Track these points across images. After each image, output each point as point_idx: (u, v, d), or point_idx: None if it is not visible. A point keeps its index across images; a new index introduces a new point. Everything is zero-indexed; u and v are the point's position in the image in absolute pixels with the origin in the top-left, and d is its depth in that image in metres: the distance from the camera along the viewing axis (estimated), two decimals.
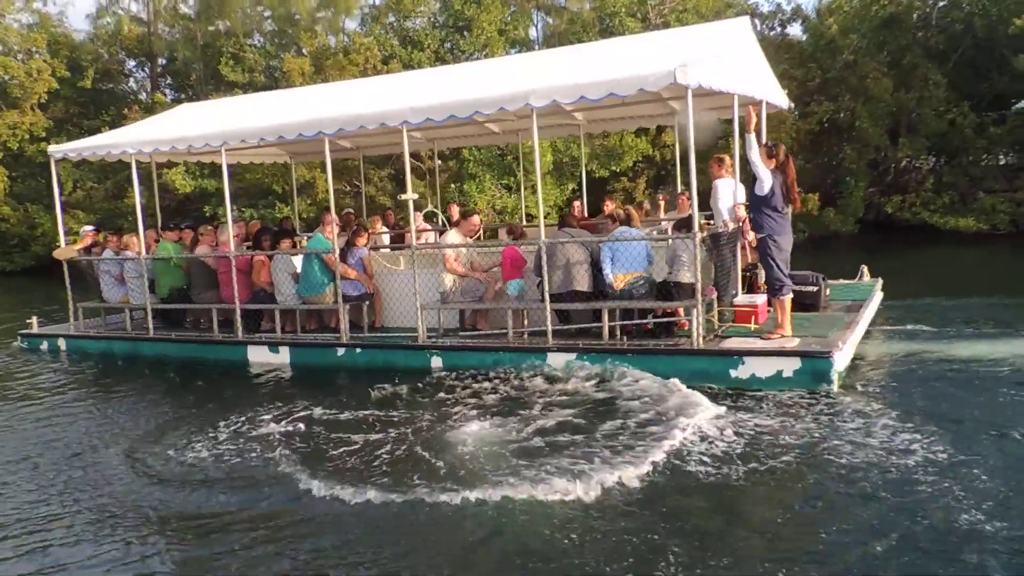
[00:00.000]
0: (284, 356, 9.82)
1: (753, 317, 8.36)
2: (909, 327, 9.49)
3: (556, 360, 8.14)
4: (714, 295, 8.31)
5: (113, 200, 23.88)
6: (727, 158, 9.08)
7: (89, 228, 12.06)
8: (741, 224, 8.30)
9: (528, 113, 8.17)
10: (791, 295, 7.81)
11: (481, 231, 12.36)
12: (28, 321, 12.75)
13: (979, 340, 8.66)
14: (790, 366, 7.24)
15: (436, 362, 8.84)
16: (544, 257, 8.17)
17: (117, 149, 10.95)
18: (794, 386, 7.17)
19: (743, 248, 8.91)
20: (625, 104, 10.73)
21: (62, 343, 11.84)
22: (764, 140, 9.19)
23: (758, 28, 24.09)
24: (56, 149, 11.95)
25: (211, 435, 7.02)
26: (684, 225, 8.01)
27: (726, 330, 8.27)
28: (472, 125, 11.86)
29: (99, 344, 11.51)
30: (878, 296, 10.22)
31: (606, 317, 8.14)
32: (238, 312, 10.14)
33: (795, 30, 24.02)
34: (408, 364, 8.95)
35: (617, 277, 8.07)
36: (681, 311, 7.98)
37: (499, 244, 9.67)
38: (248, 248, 10.67)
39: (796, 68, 22.29)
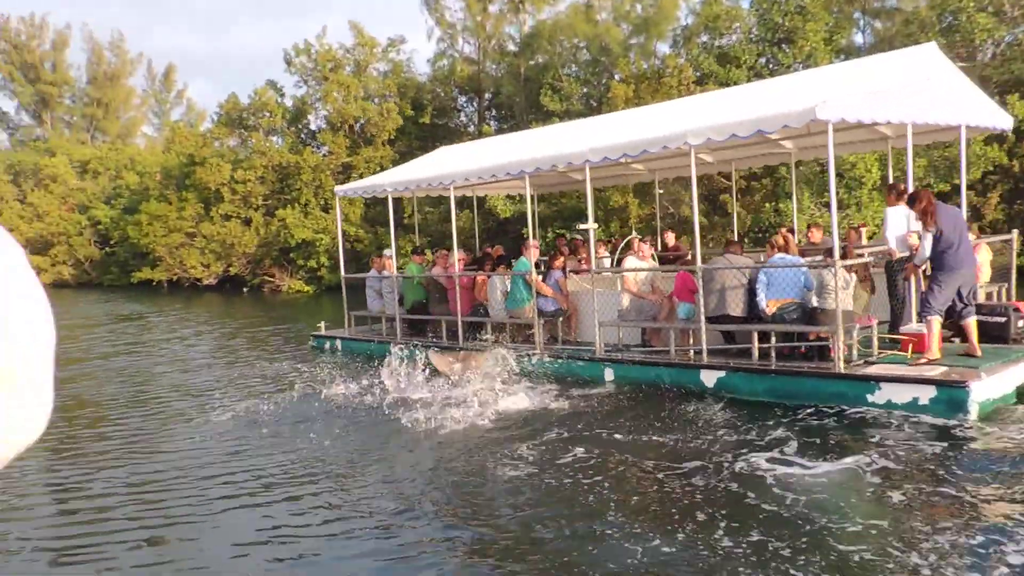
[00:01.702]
0: None
1: (911, 346, 8.24)
2: None
3: (708, 377, 8.75)
4: (873, 323, 8.40)
5: (444, 223, 26.58)
6: (900, 186, 9.29)
7: (388, 252, 14.31)
8: (913, 252, 8.34)
9: (684, 151, 8.98)
10: (939, 319, 7.81)
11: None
12: (319, 325, 15.33)
13: None
14: (926, 394, 7.29)
15: (608, 374, 9.80)
16: (700, 282, 8.80)
17: (379, 189, 13.68)
18: (930, 414, 7.19)
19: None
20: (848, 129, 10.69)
21: (339, 343, 14.38)
22: (965, 169, 9.80)
23: None
24: (340, 189, 15.01)
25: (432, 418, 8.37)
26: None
27: (883, 357, 8.24)
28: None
29: (362, 345, 13.90)
30: None
31: (756, 339, 8.63)
32: (460, 323, 11.93)
33: None
34: (586, 374, 9.99)
35: (770, 303, 8.45)
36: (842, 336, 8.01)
37: (675, 269, 10.49)
38: (469, 269, 12.58)
39: None
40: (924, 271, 8.22)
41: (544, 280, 10.99)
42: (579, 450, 6.92)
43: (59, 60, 62.53)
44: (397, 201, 23.64)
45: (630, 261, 10.49)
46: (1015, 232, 11.39)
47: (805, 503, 5.29)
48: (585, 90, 26.48)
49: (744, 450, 6.54)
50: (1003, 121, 10.62)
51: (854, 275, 8.12)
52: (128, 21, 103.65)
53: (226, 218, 33.28)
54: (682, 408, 8.21)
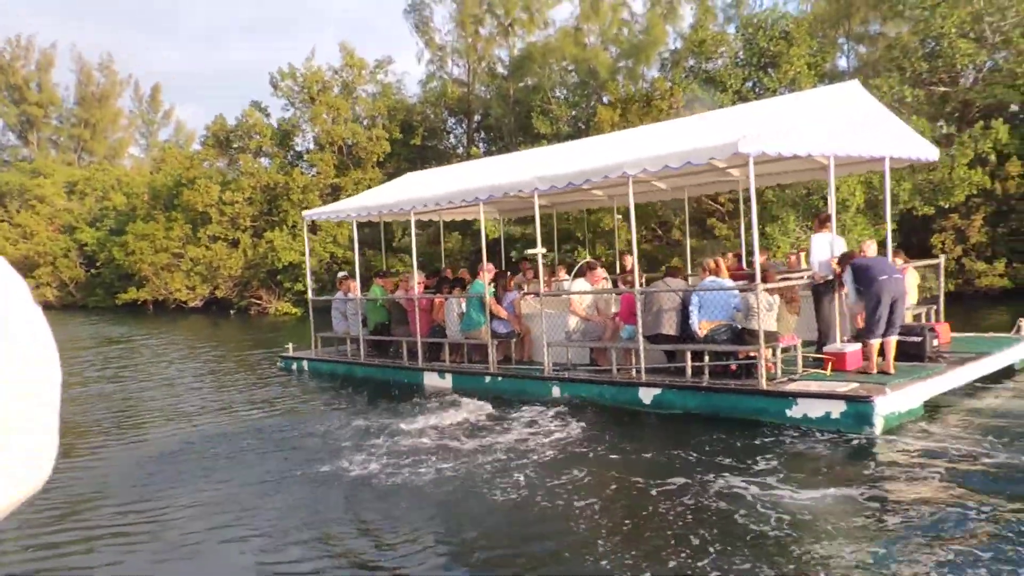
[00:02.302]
0: (448, 381, 11.75)
1: (830, 364, 8.80)
2: None
3: (645, 394, 9.26)
4: (795, 342, 8.94)
5: (433, 245, 26.56)
6: (824, 215, 10.08)
7: (343, 274, 14.92)
8: (836, 277, 9.11)
9: (624, 180, 9.48)
10: (873, 341, 8.49)
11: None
12: (286, 347, 15.54)
13: None
14: (837, 408, 7.77)
15: (556, 391, 10.25)
16: (639, 304, 9.33)
17: (343, 214, 14.34)
18: (840, 427, 7.66)
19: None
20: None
21: (305, 364, 14.76)
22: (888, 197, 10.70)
23: None
24: (308, 214, 15.50)
25: (377, 436, 8.73)
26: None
27: (806, 374, 8.72)
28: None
29: (328, 366, 14.27)
30: (1018, 352, 10.17)
31: (689, 358, 9.10)
32: (419, 344, 12.33)
33: None
34: (535, 392, 10.41)
35: (703, 324, 8.95)
36: (768, 354, 8.55)
37: (619, 291, 10.62)
38: (429, 292, 13.01)
39: None
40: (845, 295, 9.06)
41: (499, 302, 11.43)
42: (514, 465, 7.20)
43: (44, 80, 62.46)
44: (388, 224, 23.68)
45: (579, 284, 10.93)
46: (942, 258, 12.28)
47: (711, 510, 5.75)
48: (574, 113, 26.64)
49: (675, 465, 6.98)
50: (929, 152, 11.35)
51: (778, 297, 8.63)
52: (118, 43, 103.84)
53: (213, 239, 33.13)
54: (619, 425, 8.67)
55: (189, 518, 6.50)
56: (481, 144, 30.93)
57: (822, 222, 10.01)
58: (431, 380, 12.03)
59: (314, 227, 30.12)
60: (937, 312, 11.21)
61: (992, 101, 19.83)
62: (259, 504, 6.69)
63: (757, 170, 12.25)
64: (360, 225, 32.12)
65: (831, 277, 9.31)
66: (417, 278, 12.84)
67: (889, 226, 11.32)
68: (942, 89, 20.83)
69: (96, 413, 11.76)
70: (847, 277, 8.88)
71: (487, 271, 11.47)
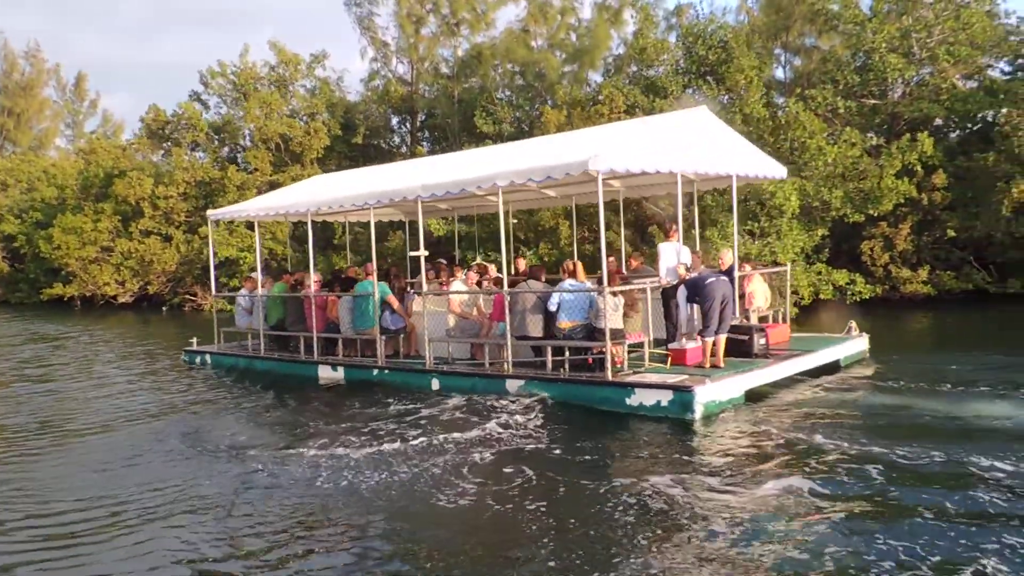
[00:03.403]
0: (341, 374, 12.61)
1: (670, 358, 10.18)
2: (864, 381, 10.40)
3: (512, 385, 10.26)
4: (642, 339, 10.23)
5: (378, 242, 26.31)
6: (669, 225, 11.36)
7: (253, 274, 15.47)
8: (682, 280, 10.30)
9: (484, 191, 11.12)
10: (708, 338, 9.74)
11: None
12: (191, 340, 15.98)
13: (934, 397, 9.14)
14: (665, 397, 8.90)
15: (435, 384, 11.18)
16: (506, 305, 10.25)
17: (244, 213, 15.31)
18: (668, 413, 8.79)
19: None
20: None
21: (208, 358, 15.33)
22: (735, 211, 12.18)
23: None
24: (212, 214, 16.20)
25: (271, 429, 9.62)
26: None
27: (649, 368, 9.97)
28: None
29: (230, 360, 14.95)
30: (843, 350, 11.49)
31: (549, 352, 10.24)
32: (315, 339, 13.14)
33: None
34: (417, 384, 11.36)
35: (563, 323, 9.89)
36: (616, 350, 9.63)
37: (493, 292, 11.45)
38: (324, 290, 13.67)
39: None
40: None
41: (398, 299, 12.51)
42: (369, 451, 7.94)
43: None
44: (328, 222, 23.34)
45: (456, 284, 11.84)
46: (790, 264, 13.63)
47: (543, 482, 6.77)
48: (517, 114, 26.75)
49: (522, 440, 8.12)
50: (776, 171, 12.88)
51: (622, 299, 9.69)
52: (40, 30, 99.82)
53: (145, 234, 32.11)
54: (484, 410, 9.60)
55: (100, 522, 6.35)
56: (426, 143, 30.78)
57: (668, 232, 11.27)
58: (325, 373, 12.84)
59: (251, 223, 29.53)
60: (785, 314, 12.67)
61: (919, 115, 20.69)
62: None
63: (628, 183, 13.90)
64: (295, 223, 31.66)
65: (677, 282, 10.45)
66: (313, 277, 13.54)
67: (736, 237, 12.62)
68: (872, 102, 21.65)
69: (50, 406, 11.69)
70: (680, 293, 10.25)
71: (373, 271, 12.45)
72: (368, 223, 26.98)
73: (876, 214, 19.56)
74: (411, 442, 8.17)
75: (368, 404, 10.43)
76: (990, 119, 21.03)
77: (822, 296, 19.49)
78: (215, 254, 29.94)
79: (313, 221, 14.63)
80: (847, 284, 19.52)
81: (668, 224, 11.43)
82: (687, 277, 10.26)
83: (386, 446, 8.07)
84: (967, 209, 19.75)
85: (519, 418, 9.04)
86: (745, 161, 12.10)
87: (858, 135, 20.20)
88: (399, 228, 26.53)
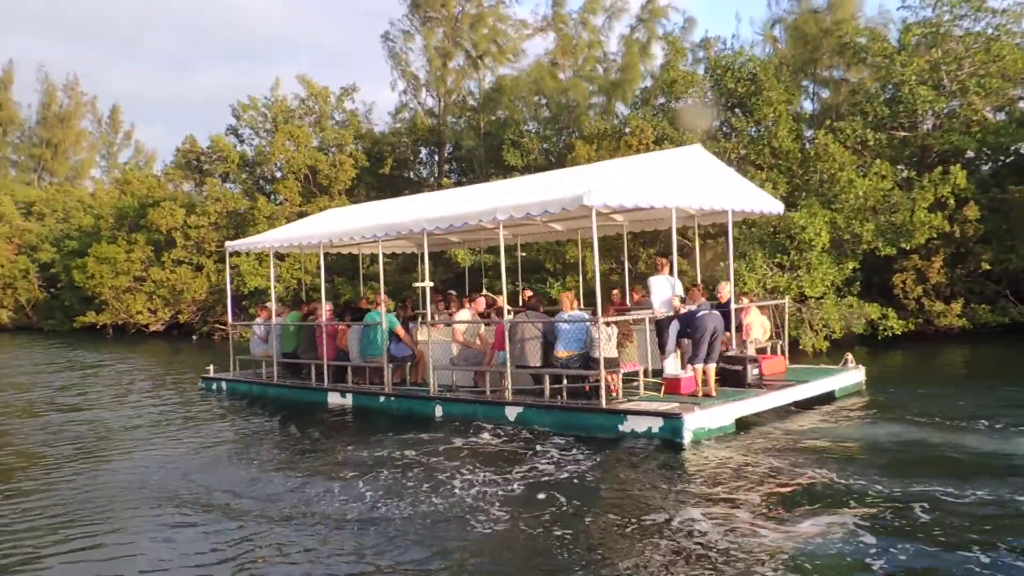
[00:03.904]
0: (349, 400, 12.98)
1: (663, 387, 10.49)
2: (856, 413, 10.58)
3: (510, 412, 10.61)
4: (637, 368, 10.60)
5: (403, 273, 26.48)
6: (662, 260, 11.92)
7: (268, 304, 15.83)
8: (677, 312, 10.61)
9: (493, 224, 11.15)
10: (698, 366, 10.17)
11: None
12: (207, 368, 16.38)
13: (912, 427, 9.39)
14: (656, 423, 9.27)
15: (438, 411, 11.55)
16: (507, 334, 10.62)
17: (260, 245, 15.86)
18: (658, 439, 9.11)
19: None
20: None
21: (224, 384, 15.81)
22: (731, 247, 12.42)
23: None
24: (231, 245, 16.68)
25: (286, 449, 10.17)
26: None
27: (644, 396, 10.28)
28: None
29: (244, 386, 15.41)
30: (838, 381, 11.84)
31: (547, 381, 10.56)
32: (326, 367, 13.56)
33: None
34: (421, 410, 11.75)
35: (561, 352, 10.26)
36: (611, 378, 10.03)
37: (494, 322, 11.86)
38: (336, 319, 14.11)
39: None
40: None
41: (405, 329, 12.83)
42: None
43: (4, 99, 61.38)
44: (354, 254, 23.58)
45: (461, 314, 12.19)
46: (787, 298, 13.91)
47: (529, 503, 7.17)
48: (545, 146, 26.93)
49: (527, 469, 8.27)
50: (772, 207, 13.15)
51: (615, 329, 10.07)
52: (78, 63, 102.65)
53: (177, 263, 32.61)
54: (491, 439, 9.89)
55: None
56: (453, 175, 31.05)
57: (660, 266, 11.81)
58: (334, 399, 13.20)
59: (280, 254, 29.87)
60: (783, 346, 12.95)
61: (949, 147, 20.52)
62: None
63: (631, 217, 14.22)
64: (326, 254, 32.14)
65: (672, 313, 10.79)
66: (326, 307, 14.06)
67: (731, 269, 12.60)
68: (902, 134, 21.52)
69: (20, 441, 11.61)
70: (672, 327, 10.54)
71: (383, 302, 12.74)
72: (394, 254, 27.38)
73: (908, 247, 19.34)
74: (412, 471, 8.38)
75: (373, 431, 10.85)
76: (1023, 151, 20.81)
77: (854, 330, 19.23)
78: (232, 283, 30.43)
79: (340, 252, 14.79)
80: (879, 318, 19.25)
81: (661, 259, 12.07)
82: (682, 310, 10.64)
83: (385, 476, 8.27)
84: (1002, 242, 19.47)
85: (515, 444, 9.45)
86: (740, 196, 12.45)
87: (889, 167, 20.06)
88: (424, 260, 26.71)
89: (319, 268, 29.21)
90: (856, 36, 22.52)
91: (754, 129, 22.68)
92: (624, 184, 10.41)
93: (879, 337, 19.22)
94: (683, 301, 10.98)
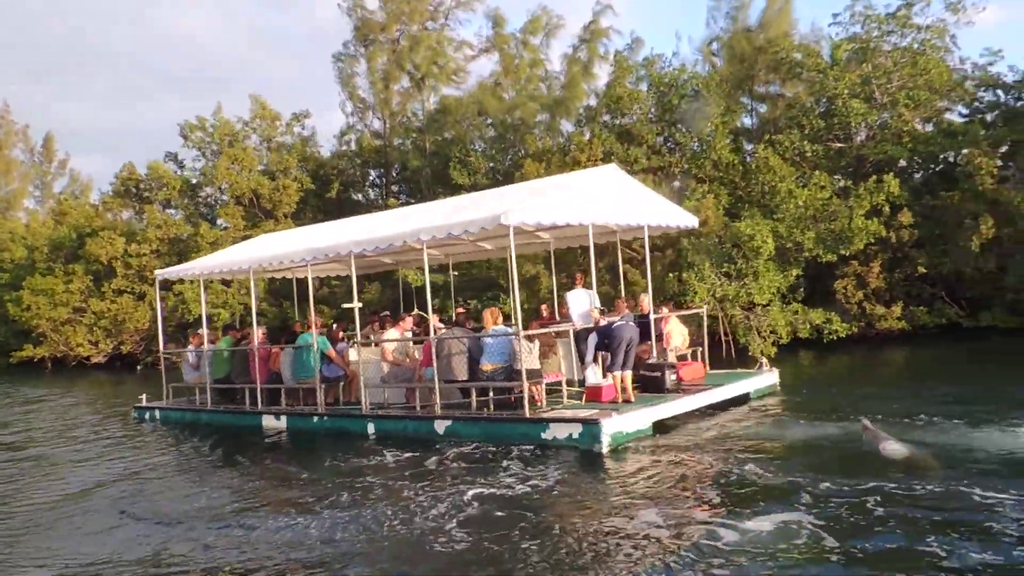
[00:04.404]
0: (283, 422, 13.12)
1: (585, 395, 10.99)
2: (767, 412, 11.19)
3: (439, 426, 10.90)
4: (560, 378, 11.24)
5: (351, 295, 26.19)
6: (578, 274, 12.81)
7: (200, 330, 15.82)
8: (596, 324, 11.15)
9: (419, 245, 11.35)
10: (616, 373, 10.71)
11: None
12: (139, 398, 16.34)
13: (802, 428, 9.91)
14: (575, 430, 9.64)
15: (370, 428, 11.76)
16: (433, 351, 10.92)
17: (189, 272, 16.10)
18: (579, 445, 9.48)
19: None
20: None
21: (157, 413, 15.80)
22: (648, 259, 13.06)
23: (1002, 99, 22.33)
24: (160, 272, 16.78)
25: (212, 470, 10.42)
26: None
27: (567, 404, 10.77)
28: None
29: (177, 414, 15.44)
30: (753, 384, 12.51)
31: (474, 394, 10.87)
32: (259, 391, 13.64)
33: None
34: (354, 429, 11.92)
35: (486, 365, 10.57)
36: (533, 389, 10.46)
37: (423, 339, 12.06)
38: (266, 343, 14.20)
39: None
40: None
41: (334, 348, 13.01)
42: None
43: None
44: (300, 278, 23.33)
45: (390, 333, 12.40)
46: (705, 307, 14.55)
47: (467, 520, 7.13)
48: (492, 164, 27.08)
49: (467, 480, 8.49)
50: (688, 221, 13.81)
51: (537, 342, 10.55)
52: (10, 92, 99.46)
53: (118, 293, 31.69)
54: (413, 451, 10.20)
55: None
56: (401, 196, 30.96)
57: (577, 280, 12.47)
58: (268, 422, 13.36)
59: (228, 281, 29.31)
60: (703, 354, 13.42)
61: (883, 157, 21.30)
62: None
63: (557, 234, 14.79)
64: (272, 278, 31.58)
65: (591, 325, 11.28)
66: (259, 331, 14.19)
67: (650, 283, 13.22)
68: (838, 145, 22.28)
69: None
70: (591, 339, 11.01)
71: (315, 324, 13.03)
72: (339, 276, 27.11)
73: (848, 253, 19.95)
74: (344, 491, 8.48)
75: (307, 452, 11.17)
76: (951, 160, 21.71)
77: (800, 335, 19.71)
78: (178, 310, 29.75)
79: (286, 277, 14.66)
80: (824, 323, 19.77)
81: (578, 274, 12.61)
82: (601, 322, 11.12)
83: (319, 497, 8.35)
84: (935, 246, 20.23)
85: (444, 457, 9.74)
86: (656, 212, 13.10)
87: (827, 178, 20.72)
88: (375, 280, 26.54)
89: (267, 293, 28.88)
90: (791, 52, 23.29)
91: (697, 144, 23.21)
92: (541, 203, 10.91)
93: (824, 341, 19.72)
94: (602, 313, 11.59)
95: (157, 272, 16.87)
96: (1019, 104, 21.82)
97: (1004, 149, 21.08)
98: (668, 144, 23.94)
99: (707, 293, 19.56)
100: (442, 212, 12.93)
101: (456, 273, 24.06)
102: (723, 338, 19.64)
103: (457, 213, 11.80)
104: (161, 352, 17.29)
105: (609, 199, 12.04)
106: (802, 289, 20.69)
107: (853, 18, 22.32)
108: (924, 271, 20.22)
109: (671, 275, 20.71)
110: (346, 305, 13.00)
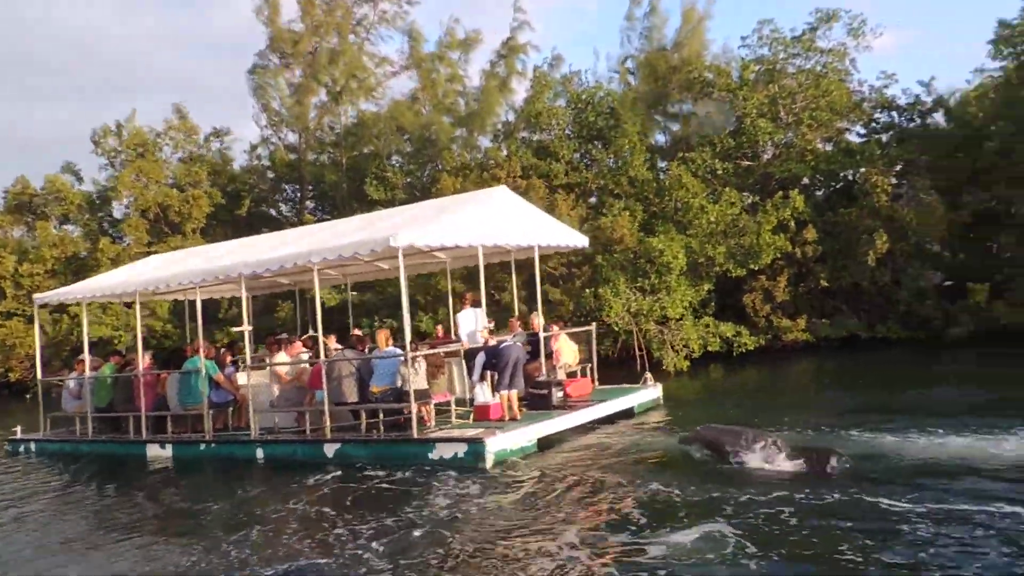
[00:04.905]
0: (169, 451, 12.61)
1: (473, 414, 11.07)
2: (649, 426, 11.65)
3: (329, 449, 10.77)
4: (448, 398, 11.22)
5: (266, 314, 25.35)
6: (467, 295, 13.03)
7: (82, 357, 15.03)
8: (485, 343, 11.26)
9: (311, 267, 11.16)
10: (503, 392, 10.81)
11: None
12: (14, 429, 15.54)
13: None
14: (461, 449, 9.73)
15: (259, 453, 11.49)
16: (323, 373, 10.82)
17: (72, 296, 15.13)
18: (465, 464, 9.58)
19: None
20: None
21: (33, 445, 14.91)
22: (538, 279, 13.40)
23: (896, 120, 23.56)
24: (39, 297, 15.96)
25: (91, 500, 10.15)
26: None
27: (457, 424, 10.83)
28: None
29: (55, 446, 14.62)
30: (637, 399, 12.85)
31: (364, 416, 10.90)
32: (143, 418, 13.10)
33: (938, 119, 23.19)
34: (243, 454, 11.62)
35: (375, 387, 10.65)
36: (422, 409, 10.57)
37: (313, 362, 11.85)
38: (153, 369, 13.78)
39: (943, 159, 21.47)
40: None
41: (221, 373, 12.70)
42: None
43: None
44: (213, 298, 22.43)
45: (280, 357, 12.12)
46: (594, 324, 14.58)
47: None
48: (409, 179, 26.78)
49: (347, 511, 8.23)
50: (577, 240, 14.14)
51: (424, 363, 10.57)
52: None
53: (8, 316, 29.74)
54: (301, 476, 10.03)
55: None
56: (317, 212, 30.24)
57: (464, 300, 12.74)
58: (153, 452, 12.79)
59: (130, 304, 27.91)
60: (592, 370, 13.63)
61: (788, 174, 22.08)
62: None
63: (453, 254, 14.55)
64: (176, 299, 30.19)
65: (479, 344, 11.44)
66: (145, 357, 13.68)
67: (539, 300, 13.63)
68: (746, 163, 22.97)
69: None
70: (478, 358, 11.13)
71: (202, 347, 12.66)
72: (257, 296, 26.21)
73: (756, 268, 20.52)
74: (230, 519, 8.35)
75: (191, 483, 10.85)
76: (850, 178, 22.70)
77: (711, 348, 20.10)
78: (44, 335, 28.09)
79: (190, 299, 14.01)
80: (734, 336, 20.24)
81: (467, 295, 12.87)
82: (490, 342, 11.29)
83: (199, 527, 8.20)
84: (837, 261, 21.04)
85: (333, 481, 9.70)
86: (546, 233, 13.37)
87: (736, 194, 21.30)
88: (287, 299, 25.74)
89: (171, 314, 27.58)
90: (703, 72, 23.94)
91: (612, 160, 23.53)
92: (432, 225, 11.02)
93: (734, 354, 20.18)
94: (491, 333, 11.81)
95: (36, 297, 16.03)
96: (911, 125, 23.04)
97: (898, 168, 22.20)
98: (585, 160, 24.18)
99: (622, 308, 19.75)
100: (338, 233, 12.79)
101: (356, 295, 23.68)
102: (638, 352, 19.83)
103: (351, 234, 11.75)
104: (39, 380, 16.26)
105: (500, 220, 12.24)
106: (713, 303, 21.15)
107: (761, 40, 23.12)
108: (826, 285, 20.99)
109: (588, 291, 20.84)
110: (235, 328, 12.53)
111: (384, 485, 9.15)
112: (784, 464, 8.18)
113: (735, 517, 6.62)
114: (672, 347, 19.67)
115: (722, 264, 20.35)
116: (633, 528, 6.64)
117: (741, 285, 21.37)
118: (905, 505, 6.58)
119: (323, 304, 23.78)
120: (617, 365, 19.41)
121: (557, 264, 22.11)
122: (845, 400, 13.02)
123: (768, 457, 8.32)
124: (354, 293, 24.06)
